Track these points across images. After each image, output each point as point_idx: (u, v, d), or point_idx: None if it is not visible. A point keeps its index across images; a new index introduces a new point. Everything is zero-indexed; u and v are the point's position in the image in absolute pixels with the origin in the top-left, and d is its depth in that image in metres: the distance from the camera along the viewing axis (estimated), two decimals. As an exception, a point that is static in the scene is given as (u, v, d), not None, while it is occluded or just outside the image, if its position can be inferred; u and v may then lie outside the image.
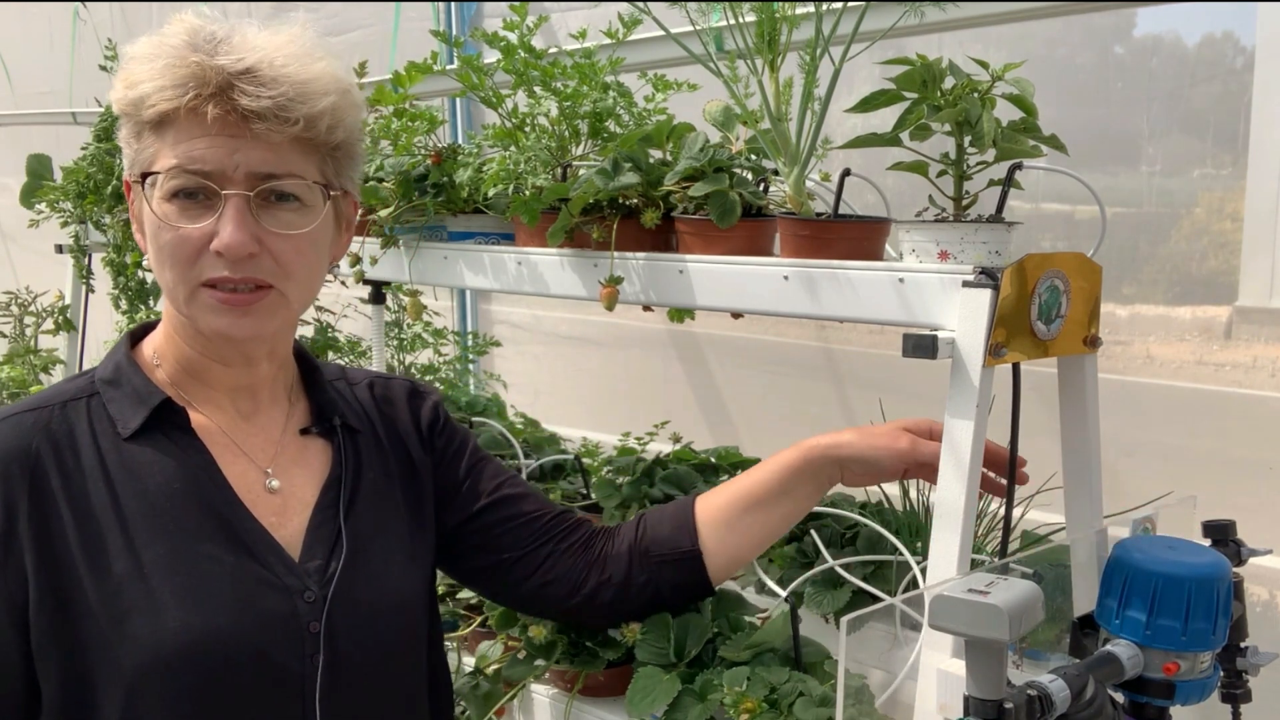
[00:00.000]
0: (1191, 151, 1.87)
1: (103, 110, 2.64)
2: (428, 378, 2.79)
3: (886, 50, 1.24)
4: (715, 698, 1.23)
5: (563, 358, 3.11)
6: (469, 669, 1.52)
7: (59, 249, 2.78)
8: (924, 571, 1.33)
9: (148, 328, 1.18)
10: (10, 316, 3.16)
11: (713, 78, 1.30)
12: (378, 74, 2.01)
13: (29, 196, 2.79)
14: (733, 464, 1.86)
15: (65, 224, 2.71)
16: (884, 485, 1.71)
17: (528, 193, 1.46)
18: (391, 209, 1.69)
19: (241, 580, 1.06)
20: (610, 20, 1.59)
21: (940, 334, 1.08)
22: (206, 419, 1.12)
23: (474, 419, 2.23)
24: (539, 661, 1.43)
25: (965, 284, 1.08)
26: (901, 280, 1.14)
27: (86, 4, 4.44)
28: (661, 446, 2.03)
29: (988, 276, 1.07)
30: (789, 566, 1.54)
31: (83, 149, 2.60)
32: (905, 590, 1.40)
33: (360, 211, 1.69)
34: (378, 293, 2.09)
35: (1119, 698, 0.92)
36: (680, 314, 1.84)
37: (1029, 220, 1.86)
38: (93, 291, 2.84)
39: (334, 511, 1.15)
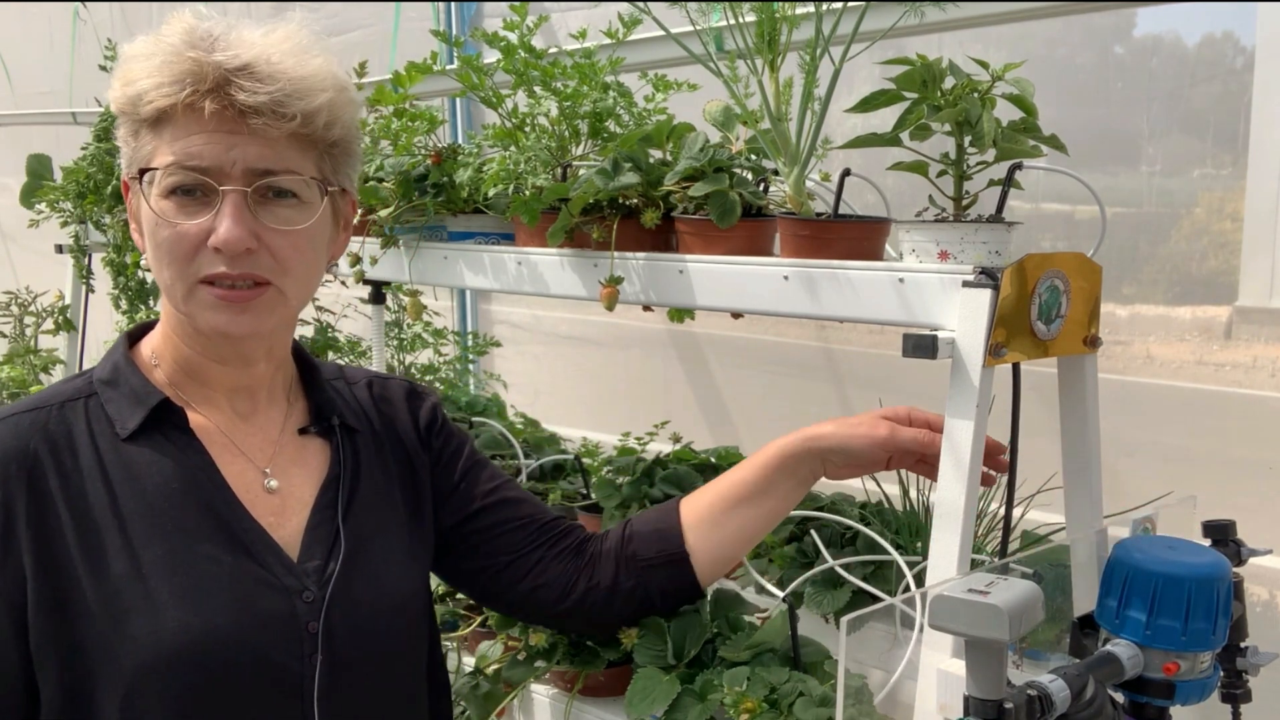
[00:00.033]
0: (1191, 151, 1.87)
1: (102, 110, 2.64)
2: (428, 378, 2.79)
3: (886, 50, 1.24)
4: (715, 698, 1.23)
5: (563, 358, 3.11)
6: (469, 669, 1.52)
7: (59, 249, 2.78)
8: (919, 574, 1.33)
9: (145, 328, 1.17)
10: (10, 316, 3.16)
11: (713, 78, 1.30)
12: (378, 74, 2.02)
13: (29, 196, 2.79)
14: (732, 464, 1.86)
15: (65, 224, 2.71)
16: (884, 486, 1.71)
17: (528, 193, 1.46)
18: (391, 209, 1.69)
19: (240, 580, 1.05)
20: (610, 20, 1.58)
21: (940, 334, 1.08)
22: (205, 419, 1.12)
23: (474, 419, 2.23)
24: (539, 662, 1.43)
25: (965, 284, 1.08)
26: (901, 280, 1.14)
27: (86, 4, 4.45)
28: (661, 446, 2.03)
29: (988, 276, 1.06)
30: (789, 566, 1.55)
31: (83, 149, 2.60)
32: (904, 591, 1.40)
33: (360, 211, 1.70)
34: (378, 293, 2.09)
35: (1119, 698, 0.92)
36: (680, 314, 1.84)
37: (1029, 220, 1.86)
38: (93, 291, 2.84)
39: (332, 511, 1.15)
